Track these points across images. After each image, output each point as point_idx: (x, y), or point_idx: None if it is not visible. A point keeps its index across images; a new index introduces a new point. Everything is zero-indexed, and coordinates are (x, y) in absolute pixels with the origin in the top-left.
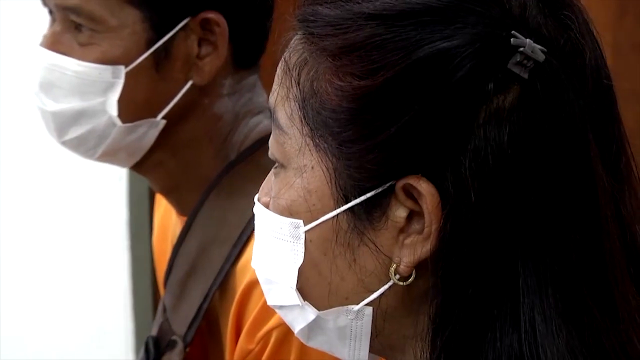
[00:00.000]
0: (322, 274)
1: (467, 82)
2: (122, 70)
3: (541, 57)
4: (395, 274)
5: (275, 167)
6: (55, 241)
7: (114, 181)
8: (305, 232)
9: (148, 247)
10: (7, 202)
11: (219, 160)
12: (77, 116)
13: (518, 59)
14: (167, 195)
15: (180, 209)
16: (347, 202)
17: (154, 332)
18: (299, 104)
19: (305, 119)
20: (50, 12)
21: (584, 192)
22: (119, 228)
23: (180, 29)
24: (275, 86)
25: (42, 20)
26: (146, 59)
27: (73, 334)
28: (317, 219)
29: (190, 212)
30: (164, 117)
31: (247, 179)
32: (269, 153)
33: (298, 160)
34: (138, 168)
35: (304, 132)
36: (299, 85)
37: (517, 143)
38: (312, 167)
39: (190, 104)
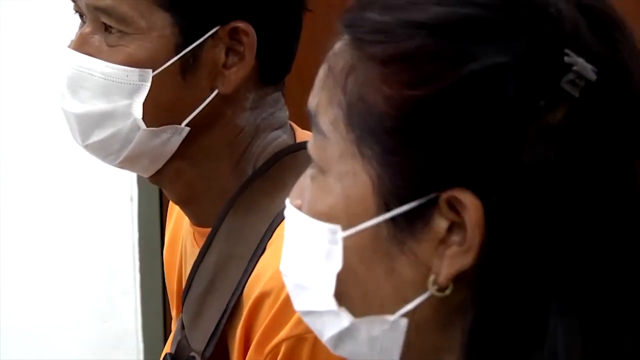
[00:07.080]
0: (358, 281)
1: (519, 98)
2: (150, 74)
3: (592, 76)
4: (433, 285)
5: (312, 168)
6: (66, 261)
7: (125, 202)
8: (343, 238)
9: (158, 268)
10: (18, 222)
11: (236, 172)
12: (102, 119)
13: (571, 77)
14: (184, 206)
15: (197, 220)
16: (388, 211)
17: (171, 349)
18: (343, 110)
19: (350, 125)
20: (81, 16)
21: (628, 213)
22: (129, 249)
23: (209, 36)
24: (316, 90)
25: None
26: (173, 64)
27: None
28: (356, 226)
29: (210, 230)
30: (187, 125)
31: (262, 193)
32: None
33: (339, 166)
34: (157, 177)
35: (348, 138)
36: (344, 90)
37: (564, 160)
38: (355, 174)
39: (214, 113)
